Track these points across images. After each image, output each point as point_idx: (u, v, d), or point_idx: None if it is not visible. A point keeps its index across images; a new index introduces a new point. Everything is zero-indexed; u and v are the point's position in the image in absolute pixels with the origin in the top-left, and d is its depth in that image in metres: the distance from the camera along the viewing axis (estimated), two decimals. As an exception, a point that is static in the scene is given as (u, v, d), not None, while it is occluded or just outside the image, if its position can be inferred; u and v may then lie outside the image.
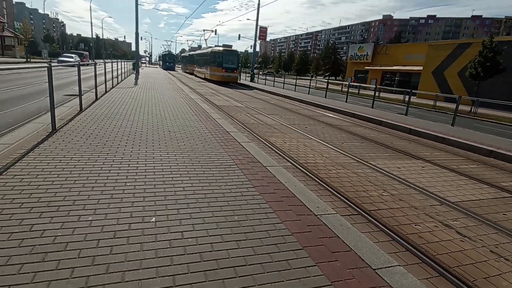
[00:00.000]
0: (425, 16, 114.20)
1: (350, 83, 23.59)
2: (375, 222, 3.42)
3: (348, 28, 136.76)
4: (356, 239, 2.58)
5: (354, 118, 12.02)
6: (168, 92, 13.13)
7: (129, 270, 1.95)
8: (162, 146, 4.84)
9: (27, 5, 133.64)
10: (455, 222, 3.63)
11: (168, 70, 48.97)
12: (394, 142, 7.94)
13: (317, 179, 4.55)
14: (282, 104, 14.71)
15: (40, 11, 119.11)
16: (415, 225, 3.48)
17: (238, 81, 28.68)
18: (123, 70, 18.62)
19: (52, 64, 5.22)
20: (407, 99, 20.92)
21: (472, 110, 18.28)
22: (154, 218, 2.61)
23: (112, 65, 14.59)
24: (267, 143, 6.46)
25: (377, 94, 21.24)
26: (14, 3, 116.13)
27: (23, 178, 3.15)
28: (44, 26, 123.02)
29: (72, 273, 1.88)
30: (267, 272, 2.07)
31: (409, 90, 14.19)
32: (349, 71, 46.06)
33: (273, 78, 32.92)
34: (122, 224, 2.48)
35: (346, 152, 6.35)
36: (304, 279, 2.04)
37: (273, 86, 26.74)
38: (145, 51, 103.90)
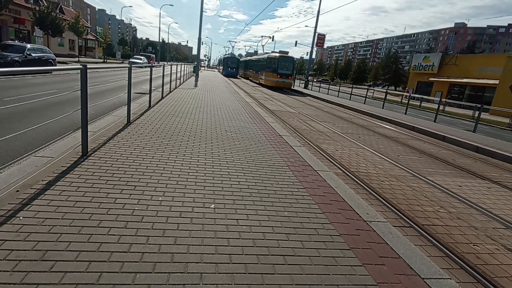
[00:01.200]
0: (506, 24, 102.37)
1: (411, 94, 22.25)
2: (428, 236, 3.32)
3: (413, 36, 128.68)
4: (405, 248, 2.58)
5: (413, 131, 11.39)
6: (225, 95, 13.82)
7: (193, 244, 2.24)
8: (220, 143, 5.21)
9: (107, 12, 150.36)
10: (521, 247, 3.35)
11: (229, 77, 40.34)
12: (457, 159, 7.40)
13: (368, 188, 4.51)
14: (335, 112, 14.51)
15: (118, 17, 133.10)
16: (473, 245, 3.30)
17: (292, 87, 28.85)
18: (184, 73, 20.02)
19: (132, 66, 5.95)
20: (477, 114, 19.12)
21: (558, 132, 16.01)
22: (213, 205, 2.90)
23: (177, 67, 15.79)
24: (318, 149, 6.52)
25: (441, 108, 19.75)
26: (97, 10, 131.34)
27: (106, 161, 3.70)
28: (119, 30, 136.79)
29: (147, 240, 2.22)
30: (314, 265, 2.20)
31: (480, 105, 12.95)
32: (411, 82, 43.27)
33: (327, 85, 32.46)
34: (186, 206, 2.81)
35: (401, 165, 6.13)
36: (350, 276, 2.13)
37: (327, 94, 26.36)
38: (205, 55, 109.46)
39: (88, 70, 3.59)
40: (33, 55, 15.33)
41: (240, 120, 7.74)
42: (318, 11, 30.72)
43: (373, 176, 5.22)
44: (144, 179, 3.31)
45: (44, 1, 30.14)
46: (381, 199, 4.16)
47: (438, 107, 15.01)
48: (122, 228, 2.33)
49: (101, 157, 3.78)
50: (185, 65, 22.29)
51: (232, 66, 44.13)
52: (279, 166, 4.39)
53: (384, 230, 2.85)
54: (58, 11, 31.93)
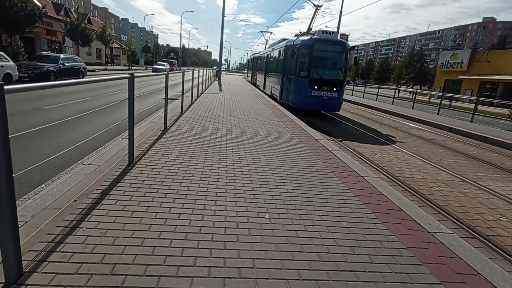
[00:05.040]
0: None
1: (441, 93, 21.30)
2: (496, 248, 3.07)
3: (438, 33, 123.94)
4: (482, 264, 2.36)
5: (451, 132, 10.85)
6: (250, 99, 13.78)
7: (257, 258, 2.14)
8: (258, 149, 5.12)
9: (130, 20, 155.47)
10: None
11: (311, 109, 11.78)
12: (505, 162, 6.93)
13: (418, 195, 4.27)
14: (364, 114, 14.11)
15: (140, 25, 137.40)
16: (550, 259, 3.00)
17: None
18: (207, 77, 20.21)
19: (170, 73, 5.98)
20: (515, 113, 18.02)
21: None
22: (267, 215, 2.80)
23: (203, 72, 15.95)
24: (356, 153, 6.30)
25: (473, 106, 18.78)
26: (120, 19, 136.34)
27: (153, 169, 3.70)
28: (141, 38, 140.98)
29: (210, 253, 2.14)
30: (389, 282, 2.04)
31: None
32: (438, 80, 41.68)
33: (352, 86, 31.86)
34: (241, 216, 2.72)
35: (446, 169, 5.79)
36: (432, 295, 1.95)
37: (352, 95, 25.79)
38: (225, 60, 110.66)
39: (133, 79, 3.60)
40: (66, 64, 15.97)
41: (271, 123, 7.63)
42: (341, 12, 30.12)
43: (420, 181, 4.95)
44: (192, 187, 3.26)
45: (73, 13, 31.51)
46: (435, 207, 3.92)
47: (475, 106, 14.25)
48: (183, 239, 2.27)
49: (147, 165, 3.79)
50: (208, 70, 22.52)
51: (332, 78, 11.77)
52: (323, 172, 4.23)
53: (453, 242, 2.64)
54: (86, 22, 33.25)
